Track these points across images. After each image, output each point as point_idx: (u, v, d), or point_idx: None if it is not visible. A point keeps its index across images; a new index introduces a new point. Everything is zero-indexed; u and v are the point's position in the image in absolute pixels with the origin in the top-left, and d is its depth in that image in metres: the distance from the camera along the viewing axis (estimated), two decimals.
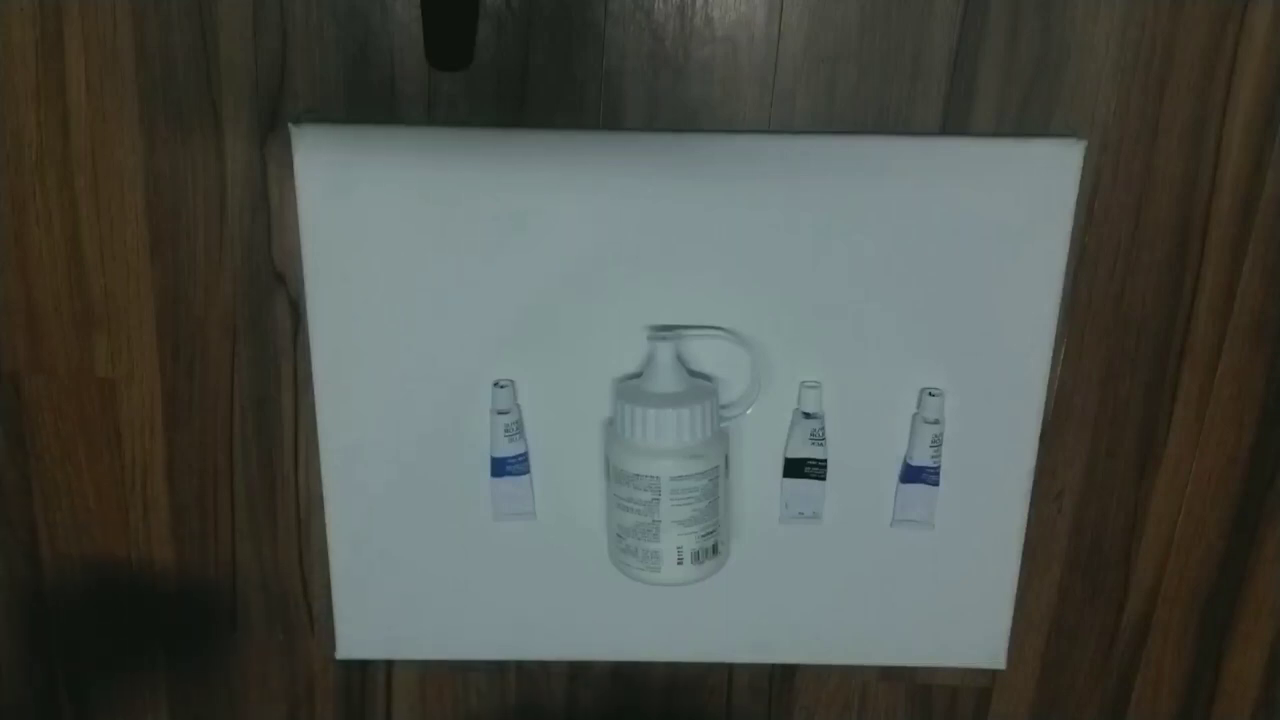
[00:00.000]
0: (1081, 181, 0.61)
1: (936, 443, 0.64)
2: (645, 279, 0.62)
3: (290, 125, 0.60)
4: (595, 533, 0.66)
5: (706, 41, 0.59)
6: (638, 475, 0.59)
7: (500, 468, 0.65)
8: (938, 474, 0.65)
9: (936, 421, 0.63)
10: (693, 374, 0.62)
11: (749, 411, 0.64)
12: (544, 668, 0.73)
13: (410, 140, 0.60)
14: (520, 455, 0.64)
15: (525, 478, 0.65)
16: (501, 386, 0.63)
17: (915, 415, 0.64)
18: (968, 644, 0.70)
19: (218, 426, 0.67)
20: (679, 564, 0.60)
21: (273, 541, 0.69)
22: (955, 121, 0.61)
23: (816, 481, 0.65)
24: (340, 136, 0.60)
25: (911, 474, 0.65)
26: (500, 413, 0.63)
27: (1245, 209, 0.62)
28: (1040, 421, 0.65)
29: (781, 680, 0.74)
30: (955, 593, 0.69)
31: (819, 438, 0.64)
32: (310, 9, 0.59)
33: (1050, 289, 0.63)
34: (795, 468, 0.65)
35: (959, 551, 0.68)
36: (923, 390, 0.64)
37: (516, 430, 0.64)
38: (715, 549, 0.62)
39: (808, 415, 0.64)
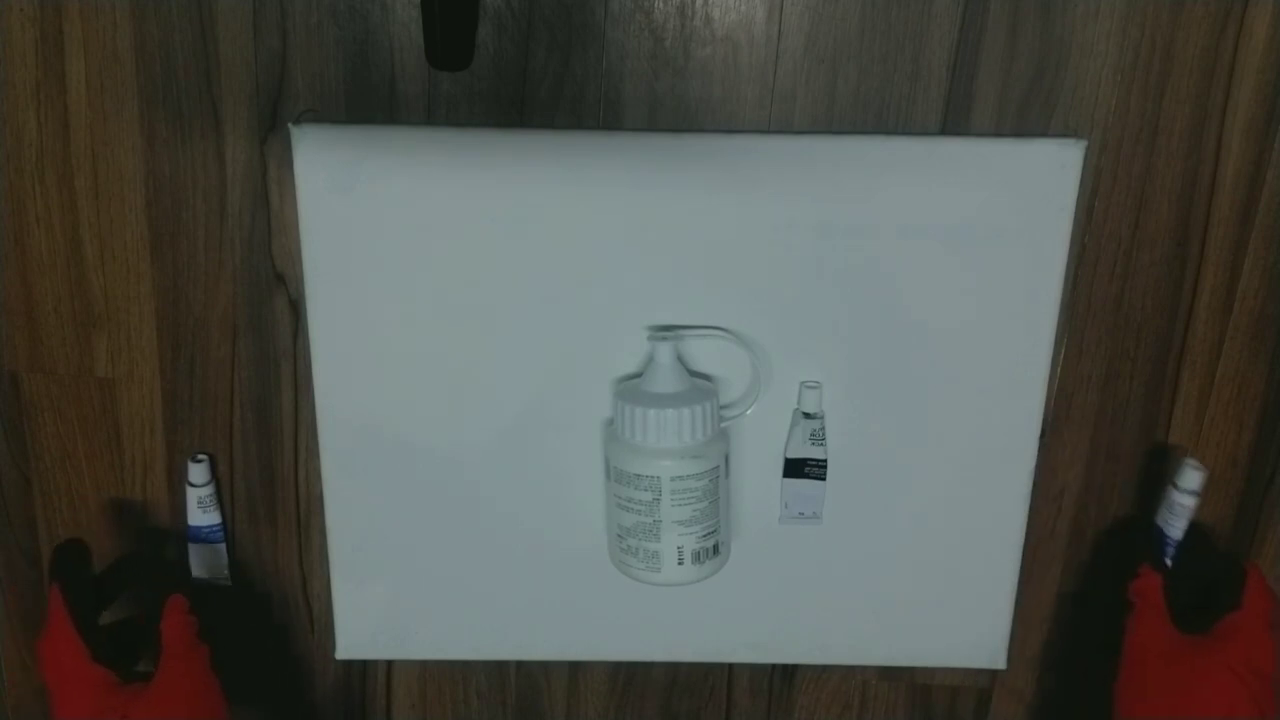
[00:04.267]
0: (1081, 181, 0.61)
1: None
2: (645, 279, 0.62)
3: (290, 125, 0.60)
4: (595, 533, 0.66)
5: (706, 41, 0.59)
6: (638, 475, 0.59)
7: None
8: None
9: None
10: (693, 374, 0.62)
11: (749, 411, 0.64)
12: (544, 668, 0.73)
13: (410, 140, 0.60)
14: None
15: None
16: None
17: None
18: (968, 644, 0.70)
19: (218, 426, 0.67)
20: (680, 564, 0.60)
21: (273, 541, 0.69)
22: (955, 121, 0.61)
23: (816, 481, 0.65)
24: (340, 136, 0.60)
25: (792, 468, 0.65)
26: None
27: (1245, 209, 0.62)
28: (1040, 421, 0.65)
29: (781, 680, 0.74)
30: (955, 593, 0.69)
31: (819, 438, 0.64)
32: (310, 9, 0.59)
33: (1050, 289, 0.63)
34: (795, 468, 0.65)
35: (959, 551, 0.68)
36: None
37: None
38: (716, 549, 0.62)
39: (808, 415, 0.64)
